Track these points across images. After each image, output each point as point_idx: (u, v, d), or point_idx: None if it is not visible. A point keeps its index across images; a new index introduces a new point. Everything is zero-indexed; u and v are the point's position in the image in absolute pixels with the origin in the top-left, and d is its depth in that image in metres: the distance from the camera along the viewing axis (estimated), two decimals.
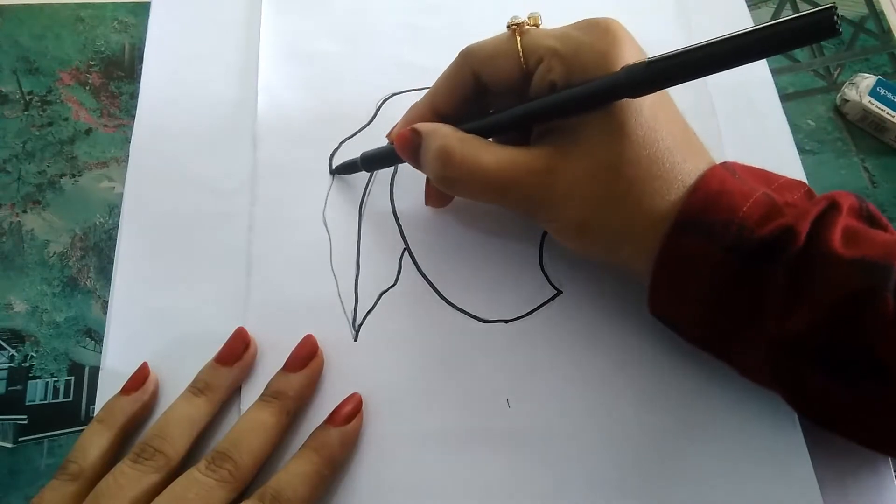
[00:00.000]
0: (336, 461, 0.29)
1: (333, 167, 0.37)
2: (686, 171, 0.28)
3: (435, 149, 0.29)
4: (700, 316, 0.28)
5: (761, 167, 0.31)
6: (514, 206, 0.31)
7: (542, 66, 0.29)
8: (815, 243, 0.26)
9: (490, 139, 0.31)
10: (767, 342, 0.27)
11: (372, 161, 0.35)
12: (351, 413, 0.30)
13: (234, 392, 0.31)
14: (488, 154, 0.29)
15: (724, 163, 0.29)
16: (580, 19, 0.29)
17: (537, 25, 0.30)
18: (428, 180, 0.34)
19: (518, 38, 0.29)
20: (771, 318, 0.26)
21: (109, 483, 0.27)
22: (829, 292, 0.25)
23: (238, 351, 0.31)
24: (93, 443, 0.29)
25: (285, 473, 0.28)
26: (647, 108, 0.28)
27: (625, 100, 0.27)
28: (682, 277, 0.28)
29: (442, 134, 0.30)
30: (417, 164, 0.31)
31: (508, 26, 0.30)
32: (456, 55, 0.31)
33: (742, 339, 0.28)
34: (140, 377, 0.31)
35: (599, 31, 0.28)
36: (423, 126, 0.30)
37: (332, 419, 0.30)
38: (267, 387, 0.30)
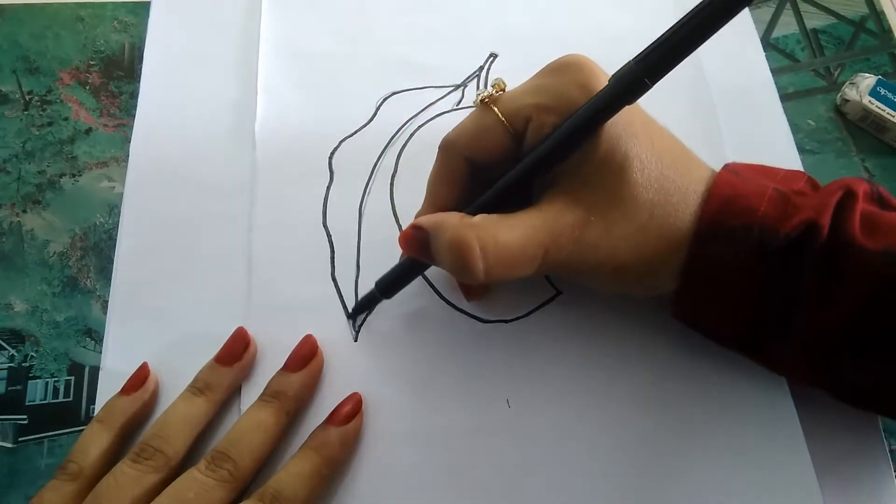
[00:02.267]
0: (336, 461, 0.29)
1: (350, 310, 0.34)
2: (694, 181, 0.28)
3: (447, 242, 0.26)
4: (731, 318, 0.29)
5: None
6: (549, 270, 0.28)
7: (532, 125, 0.28)
8: (839, 235, 0.26)
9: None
10: (803, 338, 0.27)
11: (389, 284, 0.32)
12: (351, 413, 0.30)
13: (234, 392, 0.31)
14: (505, 230, 0.26)
15: (726, 166, 0.30)
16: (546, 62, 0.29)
17: (503, 90, 0.29)
18: (458, 283, 0.34)
19: (496, 110, 0.28)
20: (805, 314, 0.27)
21: (109, 483, 0.27)
22: (861, 284, 0.26)
23: (238, 351, 0.31)
24: (93, 442, 0.29)
25: (285, 473, 0.28)
26: (640, 131, 0.27)
27: (617, 129, 0.27)
28: (710, 285, 0.28)
29: (450, 224, 0.26)
30: (433, 262, 0.28)
31: (481, 101, 0.29)
32: (437, 150, 0.30)
33: (776, 337, 0.28)
34: (140, 377, 0.31)
35: (571, 69, 0.27)
36: (425, 221, 0.27)
37: (332, 419, 0.30)
38: (267, 387, 0.30)
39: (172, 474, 0.28)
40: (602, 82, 0.26)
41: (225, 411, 0.31)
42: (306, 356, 0.31)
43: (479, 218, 0.27)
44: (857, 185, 0.28)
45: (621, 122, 0.27)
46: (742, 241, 0.27)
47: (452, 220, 0.27)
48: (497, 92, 0.29)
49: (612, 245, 0.27)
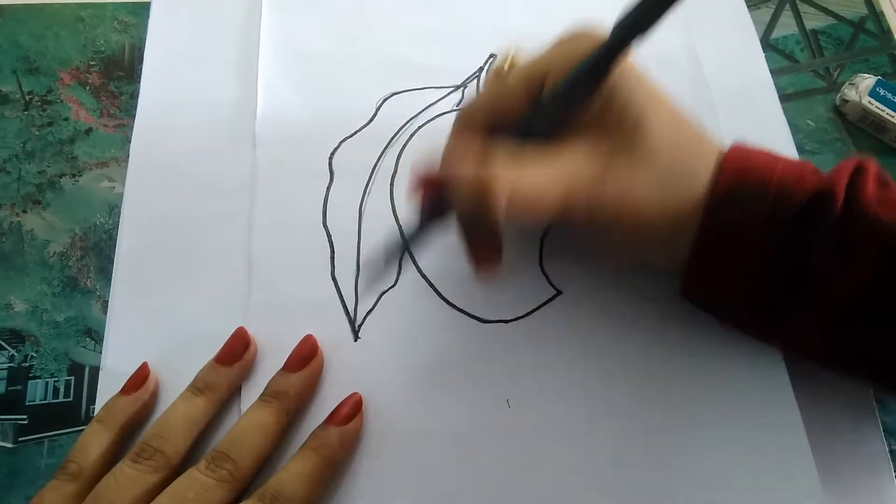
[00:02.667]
0: (336, 461, 0.29)
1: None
2: (706, 149, 0.29)
3: (467, 182, 0.26)
4: (743, 288, 0.29)
5: None
6: (568, 219, 0.28)
7: (546, 88, 0.28)
8: (853, 205, 0.26)
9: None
10: (815, 308, 0.27)
11: (394, 250, 0.32)
12: (350, 413, 0.30)
13: (235, 392, 0.31)
14: (527, 173, 0.26)
15: (736, 142, 0.30)
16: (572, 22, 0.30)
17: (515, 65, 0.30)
18: (468, 245, 0.30)
19: (514, 74, 0.29)
20: (818, 283, 0.27)
21: (110, 483, 0.27)
22: (874, 254, 0.26)
23: (238, 351, 0.31)
24: (93, 443, 0.29)
25: (285, 473, 0.28)
26: (653, 89, 0.29)
27: (632, 81, 0.28)
28: (724, 253, 0.28)
29: (471, 164, 0.26)
30: (451, 204, 0.27)
31: (495, 71, 0.30)
32: (454, 121, 0.30)
33: (788, 307, 0.28)
34: (140, 377, 0.31)
35: (581, 36, 0.29)
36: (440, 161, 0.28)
37: (331, 419, 0.30)
38: (267, 387, 0.30)
39: (172, 474, 0.28)
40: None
41: (225, 411, 0.31)
42: (306, 356, 0.31)
43: (501, 158, 0.26)
44: (868, 163, 0.28)
45: (635, 76, 0.28)
46: (757, 207, 0.27)
47: (473, 161, 0.26)
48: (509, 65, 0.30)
49: (634, 198, 0.28)
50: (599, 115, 0.28)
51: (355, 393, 0.31)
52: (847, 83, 0.42)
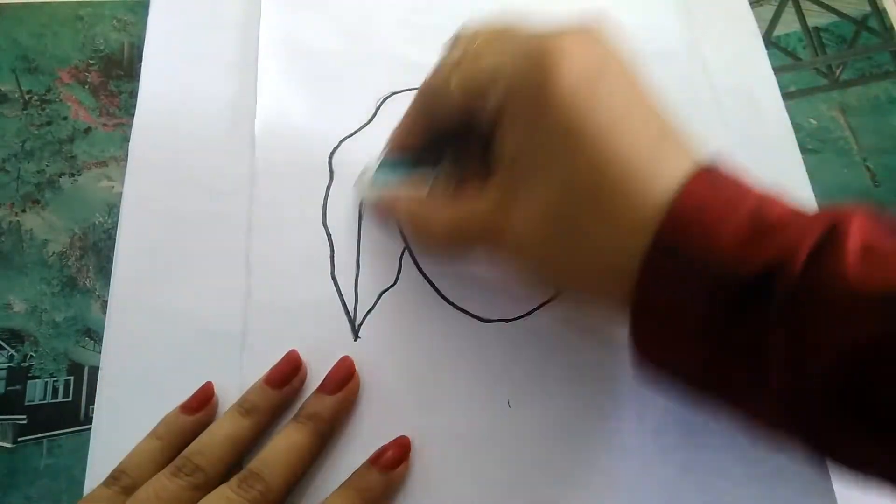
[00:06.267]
0: None
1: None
2: (659, 183, 0.23)
3: (403, 219, 0.33)
4: (690, 368, 0.24)
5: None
6: (472, 256, 0.30)
7: (488, 98, 0.27)
8: (818, 274, 0.21)
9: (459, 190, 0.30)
10: (776, 397, 0.22)
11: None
12: (396, 457, 0.30)
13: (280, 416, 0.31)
14: (442, 213, 0.29)
15: (710, 166, 0.24)
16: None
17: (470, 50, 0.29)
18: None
19: (452, 81, 0.29)
20: (774, 370, 0.22)
21: (149, 494, 0.27)
22: (843, 337, 0.20)
23: (288, 374, 0.31)
24: (151, 460, 0.28)
25: None
26: (586, 99, 0.24)
27: (563, 90, 0.24)
28: (663, 325, 0.24)
29: (401, 205, 0.32)
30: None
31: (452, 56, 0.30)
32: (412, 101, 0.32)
33: (745, 394, 0.24)
34: (204, 397, 0.30)
35: (540, 55, 0.25)
36: (388, 201, 0.33)
37: (377, 461, 0.29)
38: (301, 408, 0.30)
39: (208, 493, 0.27)
40: (561, 84, 0.24)
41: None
42: (343, 379, 0.31)
43: (429, 198, 0.31)
44: (853, 215, 0.22)
45: (527, 110, 0.25)
46: (696, 276, 0.22)
47: (403, 202, 0.32)
48: (468, 56, 0.28)
49: (531, 242, 0.26)
50: (516, 153, 0.26)
51: (404, 437, 0.30)
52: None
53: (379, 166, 0.34)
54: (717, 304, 0.22)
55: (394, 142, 0.33)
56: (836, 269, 0.21)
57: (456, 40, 0.30)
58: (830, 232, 0.21)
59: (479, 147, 0.28)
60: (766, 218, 0.22)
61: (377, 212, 0.34)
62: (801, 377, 0.21)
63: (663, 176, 0.23)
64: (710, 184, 0.23)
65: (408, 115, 0.32)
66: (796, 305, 0.21)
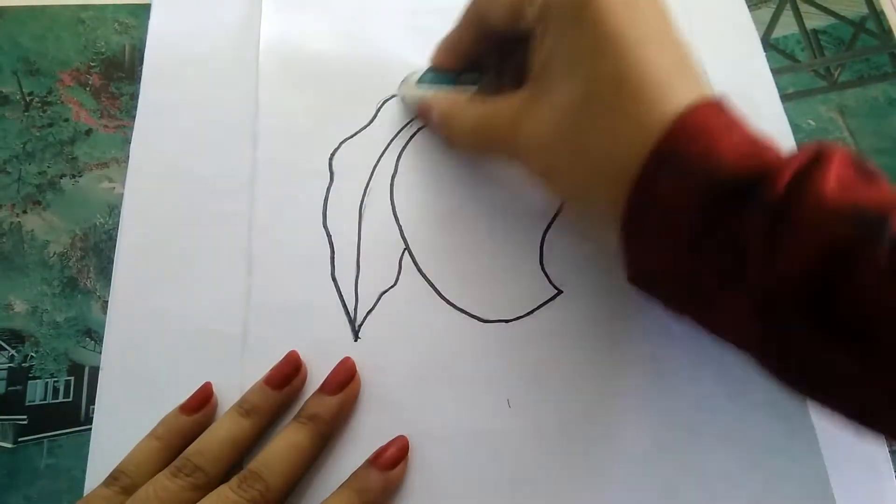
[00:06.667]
0: None
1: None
2: (671, 100, 0.25)
3: (437, 115, 0.35)
4: (676, 267, 0.26)
5: None
6: (496, 155, 0.34)
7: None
8: (800, 187, 0.23)
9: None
10: (750, 294, 0.24)
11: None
12: (395, 457, 0.30)
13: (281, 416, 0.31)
14: (472, 110, 0.33)
15: (719, 98, 0.27)
16: None
17: None
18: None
19: None
20: (751, 266, 0.23)
21: (149, 494, 0.27)
22: (815, 241, 0.23)
23: (289, 375, 0.31)
24: (150, 460, 0.28)
25: None
26: (621, 16, 0.26)
27: (591, 7, 0.27)
28: (655, 224, 0.25)
29: (442, 100, 0.36)
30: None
31: None
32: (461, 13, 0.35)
33: (724, 293, 0.25)
34: (203, 398, 0.30)
35: None
36: (431, 100, 0.36)
37: (375, 461, 0.29)
38: (302, 408, 0.30)
39: (208, 493, 0.27)
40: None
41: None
42: (343, 381, 0.31)
43: (463, 97, 0.35)
44: (835, 151, 0.24)
45: (568, 18, 0.27)
46: (691, 176, 0.24)
47: (446, 98, 0.36)
48: None
49: (542, 150, 0.29)
50: (548, 57, 0.29)
51: (402, 436, 0.31)
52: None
53: (422, 76, 0.37)
54: (706, 205, 0.24)
55: (440, 51, 0.36)
56: (816, 187, 0.23)
57: None
58: (816, 159, 0.24)
59: (518, 63, 0.31)
60: (761, 142, 0.25)
61: (417, 109, 0.37)
62: (774, 277, 0.23)
63: (676, 94, 0.26)
64: (716, 109, 0.26)
65: (456, 27, 0.35)
66: (777, 213, 0.23)
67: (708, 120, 0.25)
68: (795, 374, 0.25)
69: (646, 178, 0.25)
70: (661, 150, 0.25)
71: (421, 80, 0.37)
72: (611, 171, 0.26)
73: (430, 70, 0.37)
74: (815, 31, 0.45)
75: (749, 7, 0.45)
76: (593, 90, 0.27)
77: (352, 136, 0.38)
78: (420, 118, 0.38)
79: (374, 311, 0.34)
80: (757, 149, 0.25)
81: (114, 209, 0.36)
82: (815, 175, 0.23)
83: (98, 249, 0.35)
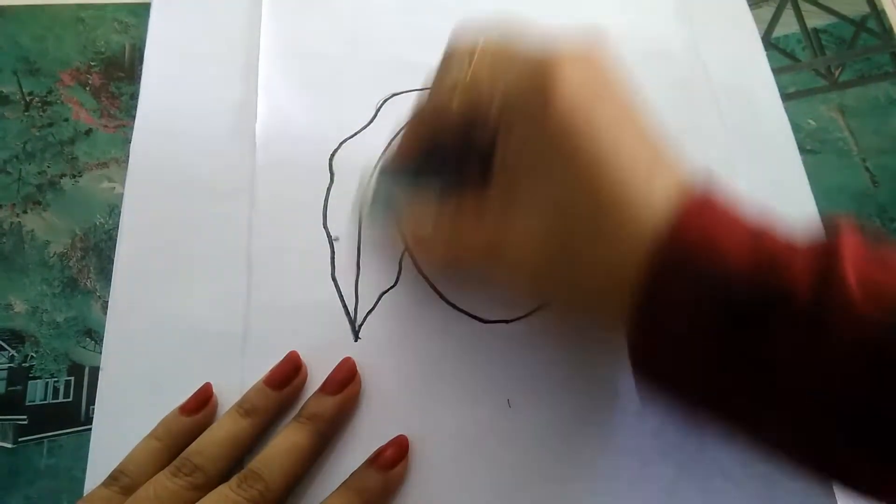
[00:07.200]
0: None
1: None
2: (657, 200, 0.24)
3: (409, 240, 0.33)
4: (695, 383, 0.24)
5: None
6: (484, 271, 0.30)
7: (490, 113, 0.28)
8: (825, 296, 0.21)
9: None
10: (790, 411, 0.23)
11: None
12: (395, 456, 0.30)
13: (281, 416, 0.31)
14: (444, 233, 0.30)
15: (704, 186, 0.25)
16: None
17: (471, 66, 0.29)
18: None
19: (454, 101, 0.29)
20: (785, 383, 0.22)
21: (149, 493, 0.27)
22: (854, 354, 0.21)
23: (289, 375, 0.31)
24: (150, 461, 0.28)
25: None
26: (586, 110, 0.25)
27: (561, 110, 0.25)
28: (667, 338, 0.24)
29: (406, 226, 0.33)
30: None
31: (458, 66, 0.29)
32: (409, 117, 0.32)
33: (754, 408, 0.24)
34: (203, 398, 0.30)
35: (546, 68, 0.25)
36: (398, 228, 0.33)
37: (375, 461, 0.29)
38: (302, 408, 0.30)
39: (208, 492, 0.27)
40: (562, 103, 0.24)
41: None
42: (344, 380, 0.31)
43: (428, 220, 0.31)
44: (846, 227, 0.23)
45: (531, 118, 0.25)
46: (700, 285, 0.23)
47: (406, 225, 0.33)
48: (468, 75, 0.28)
49: (529, 259, 0.26)
50: (511, 166, 0.27)
51: (401, 435, 0.31)
52: None
53: (380, 176, 0.34)
54: (722, 316, 0.22)
55: (394, 158, 0.33)
56: (841, 293, 0.21)
57: (450, 57, 0.30)
58: (827, 253, 0.22)
59: (479, 160, 0.29)
60: (765, 242, 0.23)
61: (382, 238, 0.34)
62: (813, 399, 0.22)
63: (659, 196, 0.24)
64: (706, 200, 0.24)
65: (407, 133, 0.32)
66: (807, 329, 0.21)
67: (703, 217, 0.24)
68: (834, 480, 0.25)
69: (651, 291, 0.23)
70: (663, 260, 0.23)
71: (380, 178, 0.34)
72: (607, 281, 0.25)
73: (385, 168, 0.34)
74: (815, 30, 0.45)
75: (750, 6, 0.45)
76: (572, 196, 0.25)
77: (352, 136, 0.38)
78: (383, 249, 0.35)
79: (374, 312, 0.34)
80: (759, 241, 0.23)
81: (114, 209, 0.36)
82: (835, 275, 0.22)
83: (98, 249, 0.35)
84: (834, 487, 0.31)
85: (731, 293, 0.22)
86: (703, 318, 0.23)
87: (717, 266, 0.22)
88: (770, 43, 0.44)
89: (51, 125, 0.39)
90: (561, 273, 0.26)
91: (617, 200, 0.24)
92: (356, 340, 0.33)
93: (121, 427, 0.30)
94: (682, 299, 0.23)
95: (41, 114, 0.39)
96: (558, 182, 0.25)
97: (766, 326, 0.22)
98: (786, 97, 0.42)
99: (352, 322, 0.33)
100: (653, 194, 0.24)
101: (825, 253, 0.22)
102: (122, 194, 0.36)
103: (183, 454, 0.28)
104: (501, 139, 0.27)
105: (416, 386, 0.32)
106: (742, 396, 0.24)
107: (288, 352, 0.32)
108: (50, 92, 0.40)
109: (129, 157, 0.37)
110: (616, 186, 0.24)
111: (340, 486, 0.29)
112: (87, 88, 0.40)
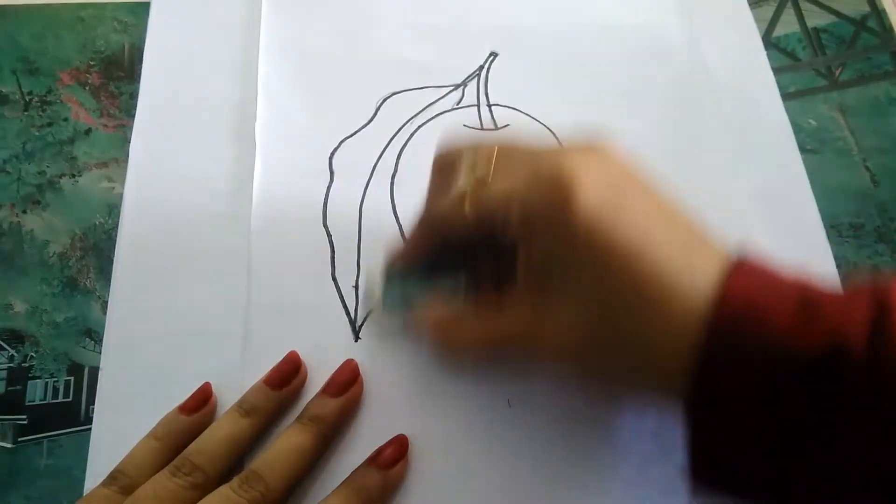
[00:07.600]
0: None
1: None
2: (700, 281, 0.24)
3: (432, 329, 0.32)
4: (759, 455, 0.24)
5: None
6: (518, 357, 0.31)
7: (507, 220, 0.27)
8: (886, 354, 0.21)
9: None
10: (861, 479, 0.22)
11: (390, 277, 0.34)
12: (395, 455, 0.30)
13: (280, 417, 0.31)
14: (475, 327, 0.30)
15: (741, 258, 0.25)
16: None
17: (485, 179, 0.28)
18: None
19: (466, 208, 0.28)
20: (854, 455, 0.22)
21: (148, 493, 0.27)
22: None
23: (288, 375, 0.31)
24: (149, 461, 0.28)
25: None
26: (609, 213, 0.24)
27: (585, 214, 0.24)
28: (728, 411, 0.23)
29: (431, 322, 0.32)
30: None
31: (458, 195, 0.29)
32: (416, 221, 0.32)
33: (809, 475, 0.23)
34: (202, 398, 0.30)
35: (556, 181, 0.25)
36: (426, 320, 0.32)
37: (375, 460, 0.29)
38: (304, 409, 0.30)
39: (208, 492, 0.27)
40: (582, 207, 0.24)
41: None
42: (346, 382, 0.31)
43: (453, 312, 0.31)
44: (889, 289, 0.23)
45: (555, 223, 0.25)
46: (754, 358, 0.23)
47: (431, 321, 0.32)
48: (478, 182, 0.28)
49: (573, 353, 0.27)
50: (547, 268, 0.26)
51: (401, 435, 0.31)
52: None
53: (388, 278, 0.33)
54: (781, 385, 0.22)
55: (400, 256, 0.33)
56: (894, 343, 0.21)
57: (442, 163, 0.30)
58: (881, 308, 0.22)
59: (496, 258, 0.29)
60: (811, 299, 0.23)
61: (404, 324, 0.33)
62: (889, 461, 0.21)
63: (699, 277, 0.24)
64: (748, 275, 0.24)
65: (415, 236, 0.32)
66: (869, 386, 0.21)
67: (748, 293, 0.23)
68: None
69: (707, 371, 0.23)
70: (715, 341, 0.23)
71: (389, 279, 0.33)
72: (657, 364, 0.25)
73: (393, 269, 0.33)
74: (816, 30, 0.45)
75: (750, 5, 0.45)
76: (610, 292, 0.25)
77: (352, 135, 0.38)
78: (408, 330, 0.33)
79: (374, 312, 0.34)
80: (805, 305, 0.23)
81: (113, 209, 0.36)
82: (892, 334, 0.22)
83: (98, 249, 0.35)
84: None
85: (786, 350, 0.22)
86: (761, 382, 0.23)
87: (767, 338, 0.22)
88: (770, 42, 0.44)
89: (50, 125, 0.39)
90: (607, 355, 0.26)
91: (661, 292, 0.24)
92: (356, 340, 0.33)
93: (120, 427, 0.30)
94: (738, 370, 0.23)
95: (40, 113, 0.39)
96: (594, 278, 0.25)
97: (826, 379, 0.22)
98: (786, 96, 0.42)
99: (352, 322, 0.33)
100: (693, 275, 0.24)
101: (877, 303, 0.22)
102: (122, 194, 0.36)
103: (182, 454, 0.28)
104: (524, 246, 0.27)
105: (416, 386, 0.32)
106: (808, 452, 0.23)
107: (288, 352, 0.32)
108: (49, 91, 0.40)
109: (128, 156, 0.37)
110: (656, 279, 0.24)
111: (340, 484, 0.29)
112: (87, 88, 0.40)
